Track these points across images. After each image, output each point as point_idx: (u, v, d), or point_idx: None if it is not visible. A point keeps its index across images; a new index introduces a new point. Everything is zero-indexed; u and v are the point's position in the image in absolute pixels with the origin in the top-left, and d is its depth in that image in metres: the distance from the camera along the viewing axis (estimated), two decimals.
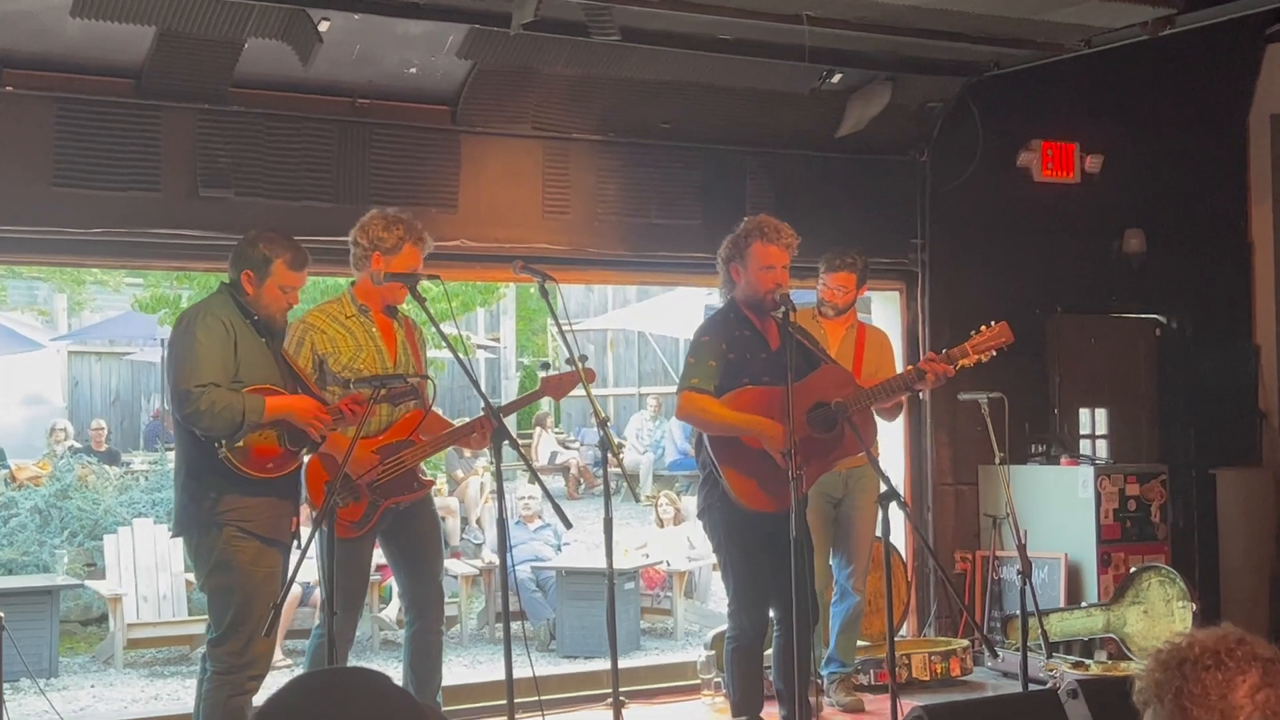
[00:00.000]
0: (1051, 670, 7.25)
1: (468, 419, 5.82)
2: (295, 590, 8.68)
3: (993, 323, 5.76)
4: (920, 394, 6.12)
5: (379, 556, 5.89)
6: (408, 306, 5.67)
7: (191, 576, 9.42)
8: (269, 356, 5.12)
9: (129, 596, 9.30)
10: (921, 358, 7.89)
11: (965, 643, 7.80)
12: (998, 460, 6.80)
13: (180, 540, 5.41)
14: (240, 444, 4.90)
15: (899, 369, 6.83)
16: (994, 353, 5.78)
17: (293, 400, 5.02)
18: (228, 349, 4.98)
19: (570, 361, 5.37)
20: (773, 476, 5.33)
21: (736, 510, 5.45)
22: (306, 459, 5.26)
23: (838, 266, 6.87)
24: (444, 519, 12.86)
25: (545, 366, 5.84)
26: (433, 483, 5.89)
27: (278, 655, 8.39)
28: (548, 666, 9.29)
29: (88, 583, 10.03)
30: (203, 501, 4.98)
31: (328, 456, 5.22)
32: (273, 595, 4.87)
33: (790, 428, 5.09)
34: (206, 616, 5.23)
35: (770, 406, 5.39)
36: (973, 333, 5.78)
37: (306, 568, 4.94)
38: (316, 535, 4.77)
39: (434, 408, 5.58)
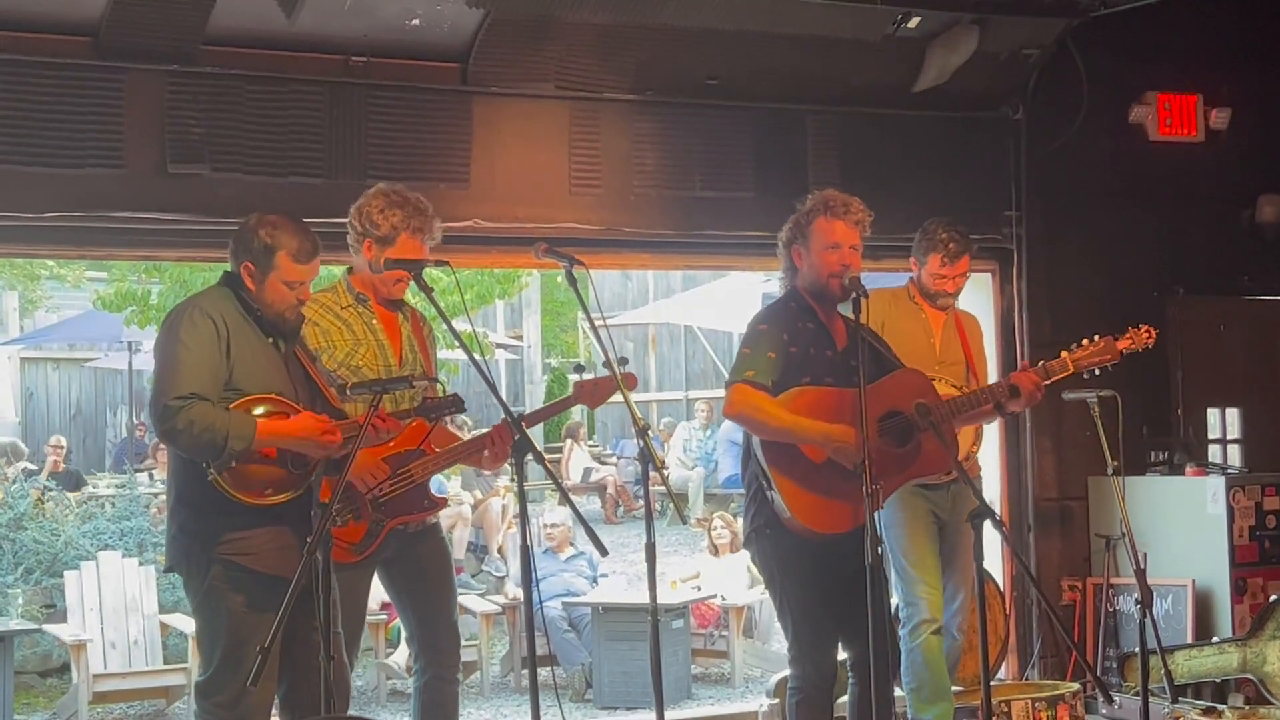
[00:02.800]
0: (1178, 718, 7.20)
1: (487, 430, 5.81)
2: None
3: (1096, 337, 5.78)
4: (1009, 414, 6.10)
5: (381, 592, 5.87)
6: (414, 298, 5.65)
7: (167, 618, 9.52)
8: (275, 360, 5.04)
9: (94, 643, 9.33)
10: (1019, 360, 7.93)
11: (1075, 686, 7.74)
12: (1111, 470, 6.75)
13: (154, 576, 5.42)
14: (231, 466, 4.82)
15: (990, 361, 6.83)
16: (1096, 371, 5.82)
17: (291, 425, 4.88)
18: (216, 352, 4.91)
19: (607, 364, 5.36)
20: (840, 490, 5.30)
21: (791, 534, 5.42)
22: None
23: (957, 253, 6.74)
24: (451, 527, 12.98)
25: (579, 370, 5.80)
26: (445, 502, 5.88)
27: None
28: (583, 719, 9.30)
29: (46, 627, 10.08)
30: (194, 532, 4.96)
31: (332, 480, 5.15)
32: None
33: (865, 435, 5.06)
34: (184, 665, 5.24)
35: (833, 411, 5.36)
36: (1074, 345, 5.81)
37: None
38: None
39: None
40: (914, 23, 7.83)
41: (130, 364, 17.83)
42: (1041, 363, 5.83)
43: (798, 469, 5.38)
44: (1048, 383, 5.78)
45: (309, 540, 4.52)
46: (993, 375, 7.57)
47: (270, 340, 5.06)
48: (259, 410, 4.88)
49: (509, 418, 5.03)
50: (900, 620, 6.64)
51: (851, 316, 5.35)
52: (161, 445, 5.13)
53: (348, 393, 5.10)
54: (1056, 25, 8.25)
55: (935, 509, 6.63)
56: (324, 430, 4.89)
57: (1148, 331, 5.94)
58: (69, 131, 6.76)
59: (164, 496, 5.41)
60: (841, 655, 5.66)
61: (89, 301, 17.16)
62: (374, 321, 5.56)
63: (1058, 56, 8.44)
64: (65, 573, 9.96)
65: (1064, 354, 5.86)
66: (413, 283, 5.23)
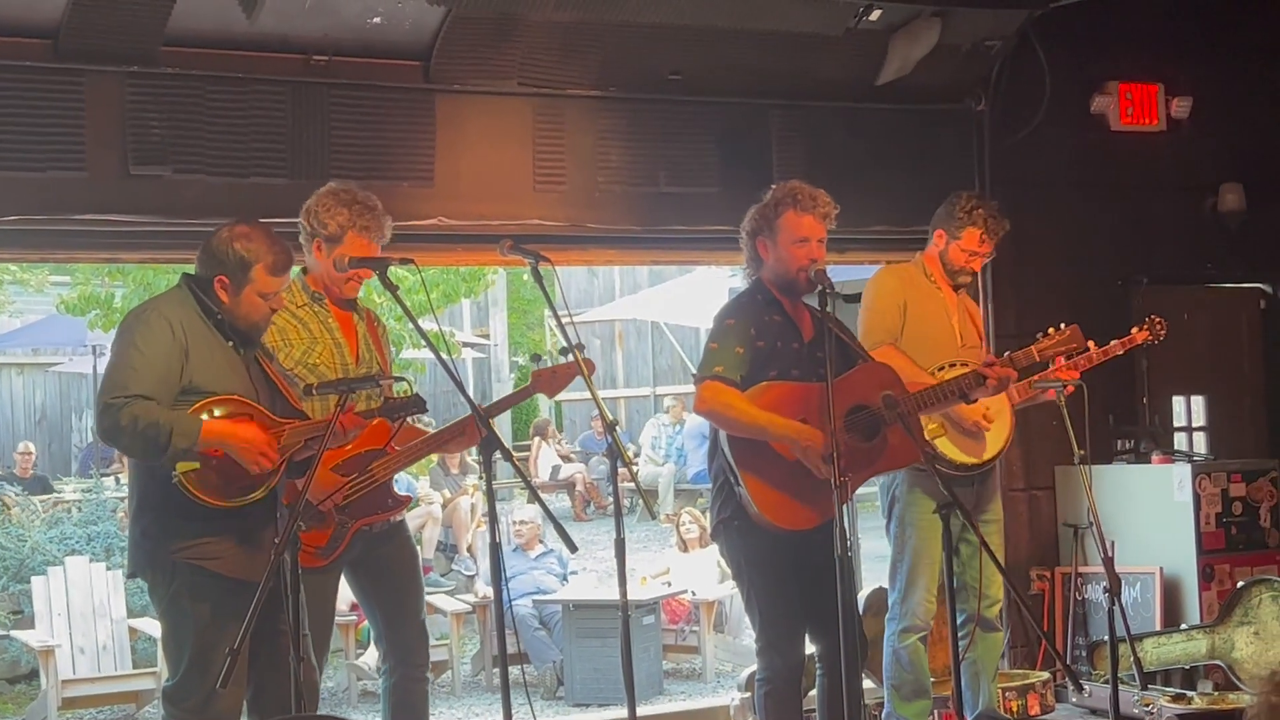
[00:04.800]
0: (1148, 705, 7.23)
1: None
2: None
3: (1062, 325, 5.78)
4: (973, 402, 6.08)
5: (347, 594, 5.86)
6: (379, 298, 5.63)
7: (136, 623, 9.48)
8: (234, 362, 5.01)
9: (63, 648, 9.30)
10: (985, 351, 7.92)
11: (1045, 675, 7.78)
12: (1077, 460, 6.75)
13: (122, 581, 5.38)
14: (195, 466, 4.79)
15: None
16: (1063, 360, 5.82)
17: (237, 428, 4.83)
18: (171, 357, 4.86)
19: (566, 351, 5.35)
20: (807, 485, 5.30)
21: (758, 527, 5.42)
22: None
23: (996, 230, 6.61)
24: (421, 526, 12.97)
25: (537, 359, 5.79)
26: (409, 500, 5.86)
27: None
28: (555, 717, 9.29)
29: (14, 633, 10.05)
30: (157, 537, 4.92)
31: (294, 485, 5.13)
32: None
33: (832, 429, 5.05)
34: (153, 669, 5.21)
35: (800, 405, 5.36)
36: (1040, 335, 5.81)
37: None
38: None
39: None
40: (875, 16, 7.82)
41: (95, 368, 17.70)
42: (1008, 354, 5.84)
43: (765, 465, 5.38)
44: (1016, 373, 5.79)
45: (276, 542, 4.50)
46: None
47: (230, 344, 5.03)
48: (219, 411, 4.85)
49: (476, 415, 5.02)
50: (889, 615, 6.63)
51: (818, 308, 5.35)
52: None
53: (314, 392, 5.07)
54: (1018, 16, 8.26)
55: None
56: (267, 444, 4.85)
57: (1160, 323, 5.91)
58: (29, 134, 6.71)
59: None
60: (810, 648, 5.67)
61: (52, 305, 17.09)
62: (330, 320, 5.55)
63: (1019, 48, 8.45)
64: (33, 578, 9.93)
65: (1032, 346, 5.87)
66: (379, 281, 5.21)
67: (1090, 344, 6.26)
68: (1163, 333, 6.22)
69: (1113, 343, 6.56)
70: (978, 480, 6.54)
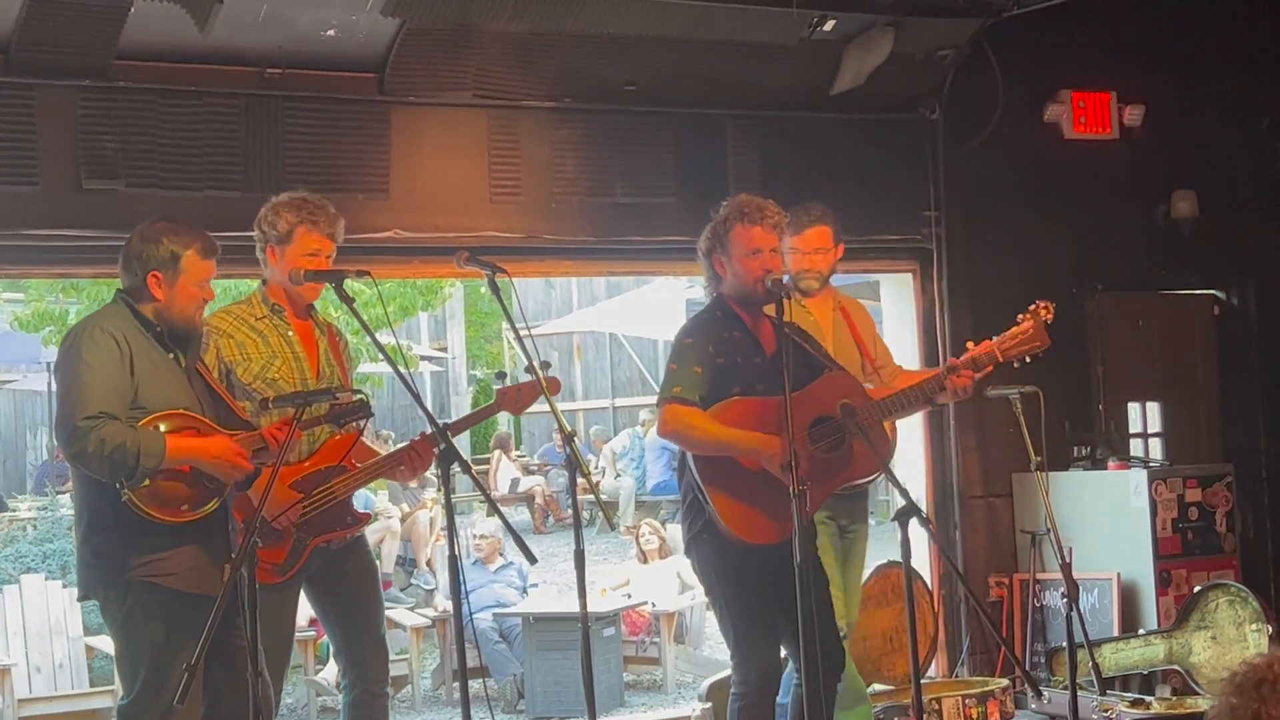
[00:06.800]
0: (1107, 711, 7.25)
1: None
2: None
3: (1031, 307, 5.72)
4: (939, 405, 6.02)
5: (307, 609, 5.82)
6: (335, 311, 5.60)
7: (93, 640, 9.41)
8: (178, 375, 5.00)
9: (19, 667, 9.21)
10: (941, 356, 7.92)
11: (1005, 682, 7.80)
12: (1034, 466, 6.78)
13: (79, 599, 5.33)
14: (146, 484, 4.77)
15: (897, 355, 6.79)
16: (1027, 358, 5.76)
17: (204, 443, 4.85)
18: (121, 370, 4.85)
19: (530, 370, 5.34)
20: (773, 500, 5.29)
21: (728, 540, 5.41)
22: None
23: (806, 222, 6.49)
24: (379, 541, 12.93)
25: (501, 377, 5.77)
26: (369, 518, 5.83)
27: None
28: None
29: None
30: (110, 556, 4.88)
31: (244, 498, 5.12)
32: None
33: (790, 439, 5.05)
34: (110, 687, 5.18)
35: (764, 420, 5.35)
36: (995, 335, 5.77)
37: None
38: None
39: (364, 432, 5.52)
40: (829, 26, 7.85)
41: (50, 385, 17.60)
42: (967, 354, 5.76)
43: (731, 481, 5.38)
44: (980, 375, 5.71)
45: (233, 557, 4.47)
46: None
47: (171, 356, 5.02)
48: (164, 427, 4.83)
49: (435, 428, 5.00)
50: None
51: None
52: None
53: (270, 405, 5.05)
54: (971, 26, 8.30)
55: (835, 516, 6.52)
56: (237, 453, 4.87)
57: (1045, 307, 5.82)
58: None
59: None
60: (784, 654, 5.65)
61: (6, 323, 16.98)
62: (290, 333, 5.52)
63: (973, 57, 8.49)
64: None
65: (992, 342, 5.76)
66: (333, 294, 5.19)
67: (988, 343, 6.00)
68: (1049, 316, 5.94)
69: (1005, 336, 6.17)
70: (848, 497, 6.42)
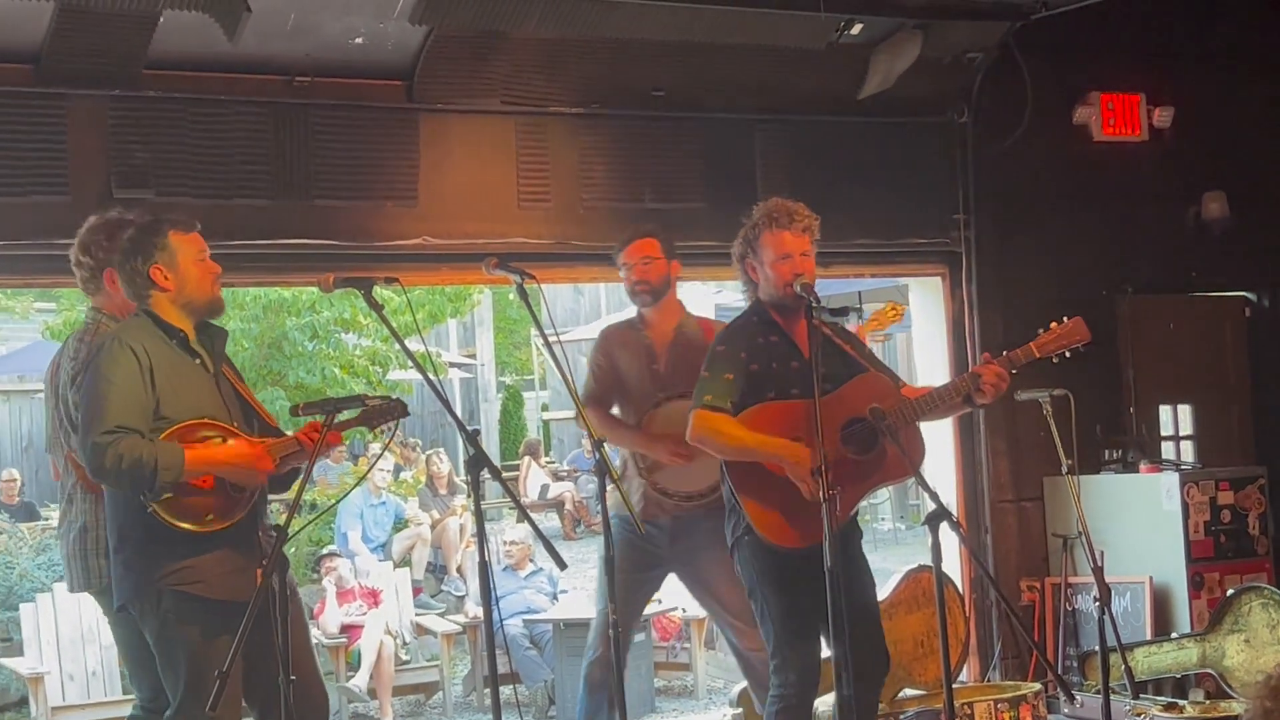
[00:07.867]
0: (1139, 715, 7.22)
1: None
2: None
3: (1065, 318, 5.61)
4: (979, 407, 5.90)
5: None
6: (364, 319, 5.59)
7: None
8: (204, 381, 4.99)
9: (52, 675, 9.24)
10: (971, 360, 7.86)
11: (1037, 686, 7.75)
12: (1065, 470, 6.76)
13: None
14: (168, 495, 4.77)
15: (927, 359, 6.72)
16: (1066, 354, 5.66)
17: (223, 451, 4.84)
18: (142, 382, 4.82)
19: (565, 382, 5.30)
20: (799, 506, 5.28)
21: (768, 545, 5.41)
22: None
23: (630, 236, 6.46)
24: (410, 547, 12.92)
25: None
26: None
27: None
28: None
29: (3, 660, 9.99)
30: (140, 568, 4.89)
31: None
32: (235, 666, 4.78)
33: (820, 442, 5.03)
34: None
35: (793, 424, 5.34)
36: (1040, 330, 5.66)
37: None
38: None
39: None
40: (857, 30, 7.83)
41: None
42: (1005, 353, 5.71)
43: (762, 487, 5.38)
44: (1014, 371, 5.63)
45: (264, 564, 4.47)
46: (943, 378, 7.56)
47: (197, 361, 5.01)
48: (194, 437, 4.83)
49: (464, 435, 4.99)
50: None
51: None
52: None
53: (299, 413, 5.04)
54: (999, 28, 8.28)
55: None
56: (257, 457, 4.85)
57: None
58: (12, 160, 6.72)
59: None
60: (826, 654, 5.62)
61: (38, 332, 17.04)
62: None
63: (1001, 59, 8.47)
64: (21, 605, 9.87)
65: (1031, 343, 5.67)
66: (364, 301, 5.18)
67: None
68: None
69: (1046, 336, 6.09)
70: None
